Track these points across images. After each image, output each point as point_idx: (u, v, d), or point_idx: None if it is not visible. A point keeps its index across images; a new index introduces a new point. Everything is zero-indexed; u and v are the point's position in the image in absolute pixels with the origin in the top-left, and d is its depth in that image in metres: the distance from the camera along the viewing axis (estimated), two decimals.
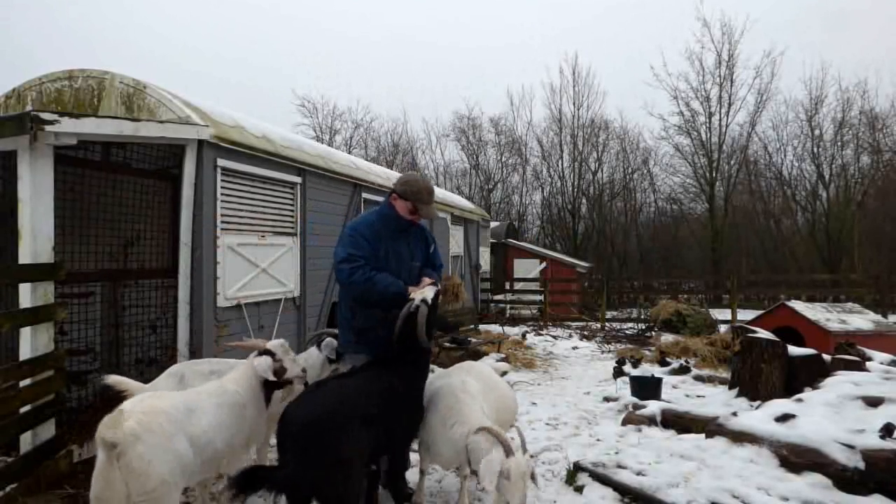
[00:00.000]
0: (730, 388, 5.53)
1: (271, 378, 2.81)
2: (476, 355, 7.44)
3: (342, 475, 2.28)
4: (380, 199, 7.74)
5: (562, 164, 26.27)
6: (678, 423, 4.60)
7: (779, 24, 35.53)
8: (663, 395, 5.73)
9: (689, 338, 9.28)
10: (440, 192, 11.54)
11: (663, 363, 7.62)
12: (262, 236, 5.36)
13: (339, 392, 2.51)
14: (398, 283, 2.96)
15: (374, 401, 2.58)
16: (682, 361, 7.56)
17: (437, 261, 3.45)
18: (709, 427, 3.88)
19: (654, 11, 42.42)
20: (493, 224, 17.86)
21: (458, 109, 40.75)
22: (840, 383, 4.22)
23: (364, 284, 2.91)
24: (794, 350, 5.11)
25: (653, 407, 4.93)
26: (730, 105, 23.03)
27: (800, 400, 3.91)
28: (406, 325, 2.81)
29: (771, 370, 4.98)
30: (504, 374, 6.33)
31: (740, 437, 3.58)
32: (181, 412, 2.39)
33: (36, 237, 3.44)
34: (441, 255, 3.72)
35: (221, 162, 4.67)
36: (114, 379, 3.14)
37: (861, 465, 3.10)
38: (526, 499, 2.52)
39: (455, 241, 11.35)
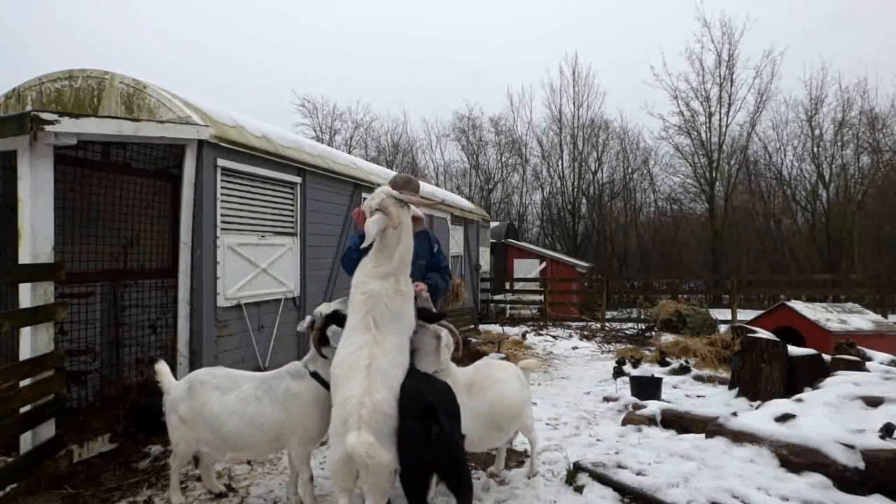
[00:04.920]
0: (730, 388, 5.53)
1: None
2: (476, 355, 7.43)
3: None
4: None
5: (562, 164, 26.27)
6: (678, 423, 4.59)
7: (779, 24, 35.52)
8: (663, 395, 5.72)
9: (689, 338, 9.27)
10: (440, 192, 11.54)
11: (663, 363, 7.61)
12: (262, 236, 5.36)
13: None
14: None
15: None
16: (682, 361, 7.54)
17: (441, 261, 3.55)
18: (709, 427, 3.87)
19: (654, 11, 42.47)
20: (493, 224, 17.85)
21: (458, 109, 40.88)
22: (840, 383, 4.21)
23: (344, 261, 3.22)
24: (794, 350, 5.11)
25: (653, 407, 4.92)
26: (730, 105, 23.00)
27: (800, 400, 3.90)
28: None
29: (771, 370, 4.98)
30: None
31: (740, 437, 3.58)
32: None
33: (36, 237, 3.45)
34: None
35: (221, 162, 4.67)
36: (160, 367, 3.20)
37: (861, 465, 3.10)
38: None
39: (455, 241, 11.34)
